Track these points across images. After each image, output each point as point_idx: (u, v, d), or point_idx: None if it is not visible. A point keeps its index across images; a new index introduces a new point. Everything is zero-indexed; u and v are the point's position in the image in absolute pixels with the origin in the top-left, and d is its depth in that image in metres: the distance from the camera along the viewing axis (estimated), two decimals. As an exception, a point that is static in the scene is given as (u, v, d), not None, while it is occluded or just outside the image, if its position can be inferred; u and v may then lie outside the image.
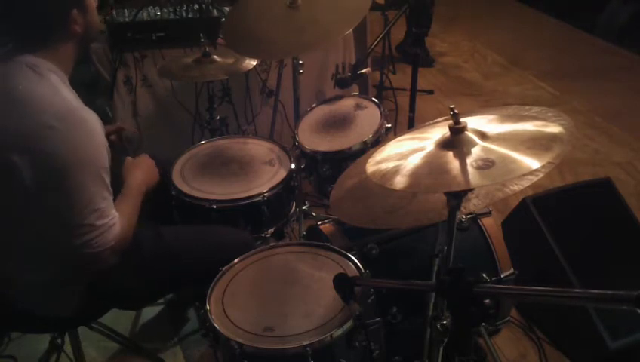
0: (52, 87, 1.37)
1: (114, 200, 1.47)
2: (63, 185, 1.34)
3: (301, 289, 1.50)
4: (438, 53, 4.60)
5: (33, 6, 1.37)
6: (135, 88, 2.65)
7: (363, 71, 2.05)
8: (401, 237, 1.82)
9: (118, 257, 1.47)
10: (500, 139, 1.13)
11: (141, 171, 1.68)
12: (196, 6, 2.60)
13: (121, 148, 1.82)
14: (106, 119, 2.60)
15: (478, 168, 1.06)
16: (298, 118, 2.25)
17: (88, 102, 1.42)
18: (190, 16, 2.60)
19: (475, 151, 1.11)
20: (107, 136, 1.79)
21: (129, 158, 1.74)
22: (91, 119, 1.38)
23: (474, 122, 1.19)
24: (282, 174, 1.99)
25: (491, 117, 1.24)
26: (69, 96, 1.39)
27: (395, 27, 2.51)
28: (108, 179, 1.41)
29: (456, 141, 1.15)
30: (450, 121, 1.16)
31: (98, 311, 1.70)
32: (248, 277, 1.57)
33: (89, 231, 1.37)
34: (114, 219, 1.42)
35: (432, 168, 1.12)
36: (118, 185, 1.58)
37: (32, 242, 1.47)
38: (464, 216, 1.85)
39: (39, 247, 1.47)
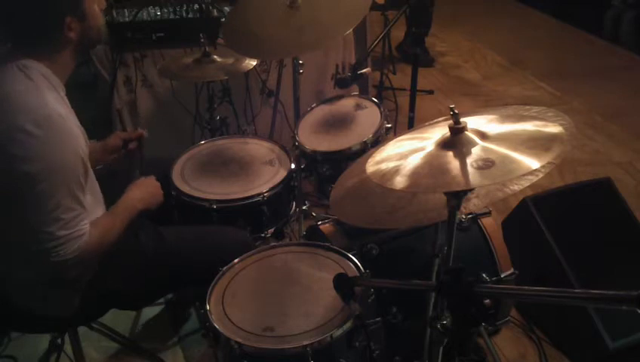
0: (37, 91, 1.36)
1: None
2: (29, 190, 1.32)
3: (301, 289, 1.50)
4: (438, 53, 4.60)
5: (26, 11, 1.36)
6: (135, 88, 2.65)
7: (363, 71, 2.05)
8: (401, 237, 1.82)
9: (83, 270, 1.46)
10: (500, 139, 1.13)
11: (141, 191, 1.65)
12: (196, 6, 2.60)
13: (139, 155, 1.80)
14: (104, 119, 2.62)
15: (478, 168, 1.06)
16: (298, 118, 2.24)
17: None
18: (190, 16, 2.60)
19: (475, 151, 1.11)
20: (127, 142, 1.81)
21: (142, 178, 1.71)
22: (73, 130, 1.37)
23: (474, 122, 1.19)
24: (282, 174, 1.99)
25: (491, 117, 1.24)
26: (52, 103, 1.36)
27: (395, 27, 2.52)
28: (80, 192, 1.39)
29: (456, 141, 1.15)
30: (450, 121, 1.16)
31: (98, 311, 1.70)
32: (248, 277, 1.57)
33: (49, 239, 1.35)
34: (80, 231, 1.39)
35: (432, 168, 1.12)
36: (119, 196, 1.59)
37: (9, 243, 1.46)
38: (464, 216, 1.85)
39: (15, 249, 1.46)
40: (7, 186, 1.34)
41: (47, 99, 1.36)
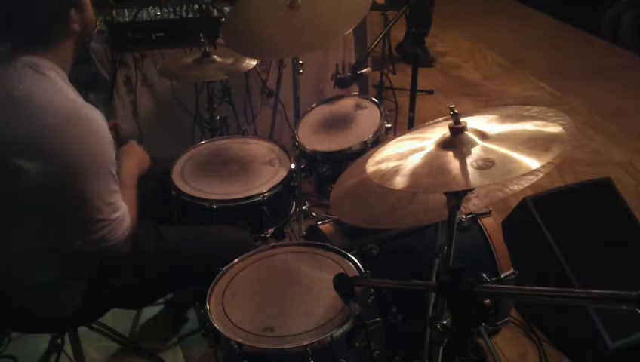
0: (55, 86, 1.37)
1: None
2: (74, 183, 1.35)
3: (301, 289, 1.50)
4: (438, 53, 4.60)
5: (32, 7, 1.37)
6: (135, 88, 2.65)
7: (363, 71, 2.05)
8: (401, 237, 1.82)
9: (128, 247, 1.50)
10: (500, 139, 1.13)
11: (130, 158, 1.71)
12: (196, 6, 2.60)
13: (116, 144, 1.82)
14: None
15: (478, 168, 1.06)
16: (298, 118, 2.24)
17: (88, 102, 1.42)
18: (190, 16, 2.60)
19: (475, 151, 1.11)
20: None
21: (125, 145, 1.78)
22: (97, 116, 1.39)
23: (474, 122, 1.19)
24: (282, 174, 1.99)
25: (491, 117, 1.24)
26: (73, 95, 1.39)
27: (395, 27, 2.52)
28: (116, 173, 1.44)
29: (456, 141, 1.15)
30: (450, 121, 1.16)
31: (98, 311, 1.70)
32: (248, 277, 1.57)
33: (105, 225, 1.41)
34: (125, 210, 1.46)
35: (432, 168, 1.12)
36: None
37: (35, 242, 1.46)
38: (464, 216, 1.85)
39: (49, 247, 1.47)
40: (50, 187, 1.35)
41: (68, 92, 1.39)
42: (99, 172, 1.38)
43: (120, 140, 1.83)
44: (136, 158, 1.75)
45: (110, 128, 1.79)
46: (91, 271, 1.54)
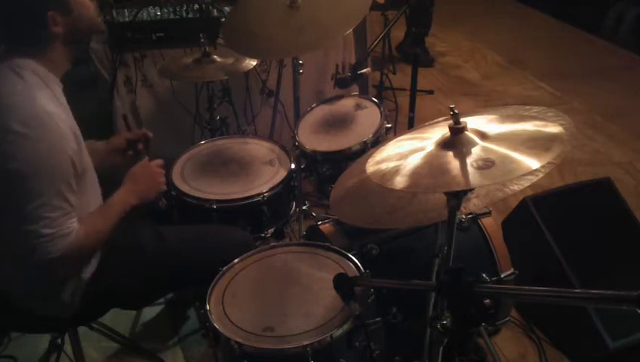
0: (27, 90, 1.35)
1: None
2: (17, 188, 1.32)
3: (301, 289, 1.50)
4: (438, 53, 4.60)
5: (6, 10, 1.36)
6: (135, 88, 2.65)
7: (363, 71, 2.05)
8: (401, 237, 1.82)
9: (73, 268, 1.46)
10: (500, 139, 1.13)
11: (134, 185, 1.61)
12: (196, 6, 2.60)
13: (145, 155, 1.77)
14: (104, 119, 2.62)
15: (478, 168, 1.06)
16: (298, 118, 2.24)
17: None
18: (190, 16, 2.60)
19: (475, 151, 1.11)
20: (133, 142, 1.76)
21: (139, 164, 1.68)
22: (62, 130, 1.35)
23: (474, 122, 1.19)
24: (282, 174, 1.99)
25: (491, 117, 1.24)
26: (41, 102, 1.35)
27: (395, 27, 2.52)
28: (69, 191, 1.37)
29: (456, 141, 1.15)
30: (450, 121, 1.16)
31: (98, 311, 1.70)
32: (248, 277, 1.57)
33: (34, 237, 1.34)
34: (67, 229, 1.37)
35: (432, 168, 1.12)
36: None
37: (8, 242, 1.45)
38: (464, 216, 1.85)
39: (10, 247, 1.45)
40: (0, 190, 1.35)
41: (36, 98, 1.35)
42: (43, 184, 1.33)
43: (147, 152, 1.77)
44: (144, 185, 1.62)
45: (141, 138, 1.76)
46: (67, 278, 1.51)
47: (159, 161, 1.68)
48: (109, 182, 1.61)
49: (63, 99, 1.46)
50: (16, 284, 1.53)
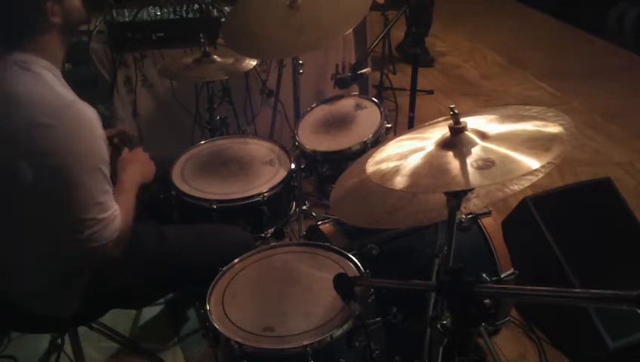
0: (45, 83, 1.36)
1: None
2: (64, 181, 1.34)
3: (301, 289, 1.50)
4: (438, 53, 4.60)
5: (5, 5, 1.36)
6: (135, 88, 2.65)
7: (363, 71, 2.05)
8: (401, 237, 1.82)
9: (121, 250, 1.48)
10: (500, 139, 1.13)
11: (134, 165, 1.68)
12: (196, 6, 2.60)
13: (120, 150, 1.82)
14: (103, 119, 2.62)
15: (478, 168, 1.06)
16: (298, 118, 2.24)
17: (88, 102, 1.42)
18: (190, 16, 2.60)
19: (475, 151, 1.11)
20: (109, 138, 1.77)
21: (124, 153, 1.74)
22: (88, 113, 1.37)
23: (474, 122, 1.19)
24: (282, 174, 1.99)
25: (491, 117, 1.24)
26: (63, 91, 1.37)
27: (395, 27, 2.52)
28: (108, 172, 1.41)
29: (456, 141, 1.15)
30: (450, 121, 1.16)
31: (98, 311, 1.70)
32: (248, 277, 1.57)
33: (92, 224, 1.38)
34: (115, 211, 1.43)
35: (432, 168, 1.12)
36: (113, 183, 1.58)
37: (36, 241, 1.47)
38: (464, 216, 1.85)
39: (42, 246, 1.47)
40: (39, 185, 1.35)
41: (58, 88, 1.37)
42: (88, 169, 1.36)
43: (124, 147, 1.81)
44: (141, 166, 1.71)
45: (116, 135, 1.81)
46: (88, 273, 1.53)
47: (140, 149, 1.78)
48: None
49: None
50: (21, 285, 1.53)
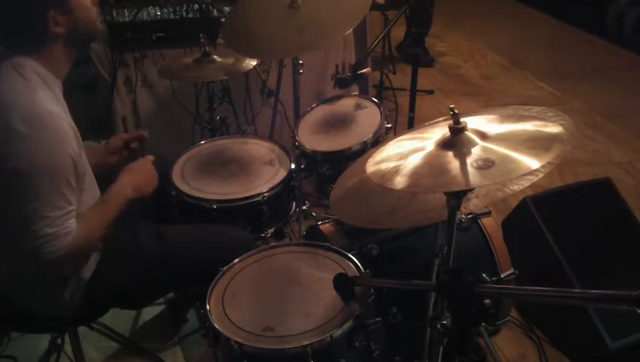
0: (29, 89, 1.35)
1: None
2: (17, 187, 1.32)
3: (301, 289, 1.50)
4: (438, 53, 4.60)
5: (7, 9, 1.35)
6: (135, 88, 2.65)
7: (363, 71, 2.05)
8: (401, 237, 1.82)
9: (81, 265, 1.47)
10: (500, 139, 1.13)
11: (131, 176, 1.61)
12: (196, 6, 2.61)
13: (140, 155, 1.77)
14: (106, 121, 2.62)
15: (478, 168, 1.06)
16: (298, 118, 2.24)
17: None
18: (190, 16, 2.61)
19: (475, 151, 1.11)
20: (129, 142, 1.78)
21: (138, 160, 1.70)
22: (64, 129, 1.35)
23: (474, 122, 1.19)
24: (282, 174, 1.99)
25: (491, 117, 1.24)
26: (43, 101, 1.35)
27: (395, 27, 2.52)
28: (69, 190, 1.37)
29: (456, 141, 1.15)
30: (450, 121, 1.16)
31: (98, 311, 1.70)
32: (248, 277, 1.57)
33: (35, 237, 1.33)
34: (67, 229, 1.37)
35: (432, 168, 1.12)
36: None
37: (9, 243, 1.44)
38: (464, 216, 1.85)
39: (6, 246, 1.45)
40: (1, 189, 1.34)
41: (38, 97, 1.35)
42: (44, 183, 1.33)
43: (142, 153, 1.77)
44: (141, 178, 1.62)
45: (136, 139, 1.78)
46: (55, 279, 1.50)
47: (150, 157, 1.70)
48: (105, 183, 1.61)
49: (62, 101, 1.45)
50: (17, 284, 1.53)
